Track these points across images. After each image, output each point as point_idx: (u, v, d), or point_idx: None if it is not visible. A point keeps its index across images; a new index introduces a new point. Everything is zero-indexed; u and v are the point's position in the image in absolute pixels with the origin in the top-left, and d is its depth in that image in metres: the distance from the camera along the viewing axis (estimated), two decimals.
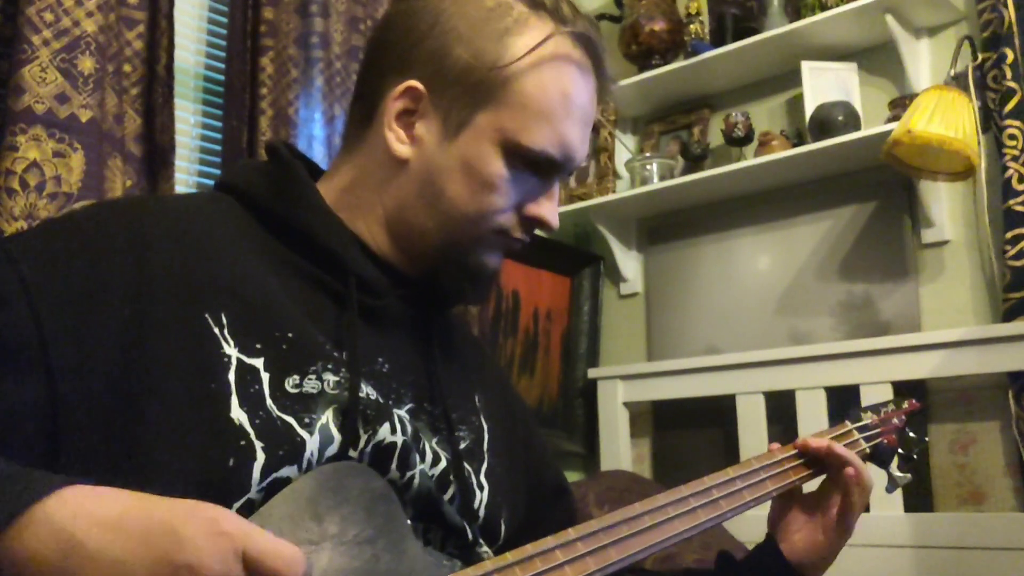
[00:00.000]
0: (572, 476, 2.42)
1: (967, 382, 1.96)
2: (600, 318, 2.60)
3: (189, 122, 1.95)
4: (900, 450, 1.09)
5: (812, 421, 1.99)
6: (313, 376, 0.72)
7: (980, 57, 1.98)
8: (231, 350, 0.69)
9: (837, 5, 2.13)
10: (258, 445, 0.66)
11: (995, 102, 1.94)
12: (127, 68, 1.67)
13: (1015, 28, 1.92)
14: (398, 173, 0.81)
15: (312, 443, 0.69)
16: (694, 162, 2.40)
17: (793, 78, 2.28)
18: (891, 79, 2.20)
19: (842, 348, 2.03)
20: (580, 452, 2.50)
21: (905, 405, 1.13)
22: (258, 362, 0.70)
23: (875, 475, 0.99)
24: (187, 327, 0.69)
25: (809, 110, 2.16)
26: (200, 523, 0.54)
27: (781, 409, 2.09)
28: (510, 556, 0.65)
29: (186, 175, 1.92)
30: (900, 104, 2.02)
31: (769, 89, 2.41)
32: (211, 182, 1.73)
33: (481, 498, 0.83)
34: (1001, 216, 1.91)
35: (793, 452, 0.97)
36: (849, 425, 1.05)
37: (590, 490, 1.96)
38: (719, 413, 2.25)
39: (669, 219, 2.54)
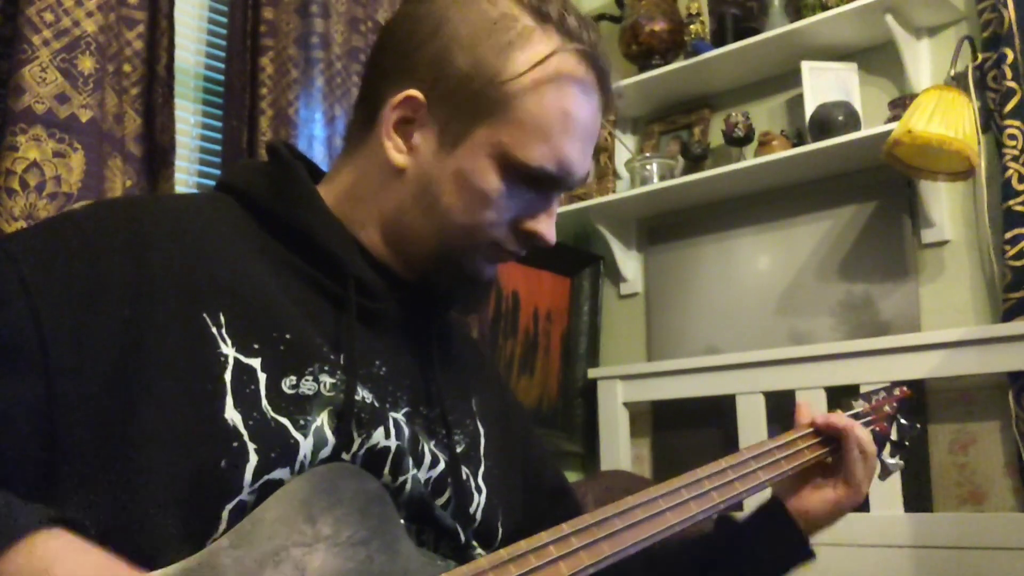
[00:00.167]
0: (572, 476, 2.42)
1: (967, 382, 1.96)
2: (600, 318, 2.60)
3: (189, 122, 1.95)
4: (892, 438, 1.09)
5: None
6: (310, 377, 0.72)
7: (980, 57, 1.98)
8: (228, 350, 0.69)
9: (837, 5, 2.13)
10: (251, 447, 0.66)
11: (995, 102, 1.94)
12: (127, 68, 1.67)
13: (1015, 28, 1.92)
14: (395, 180, 0.81)
15: (306, 445, 0.69)
16: (694, 162, 2.40)
17: (793, 78, 2.28)
18: (891, 79, 2.20)
19: (842, 348, 2.04)
20: (580, 452, 2.51)
21: (897, 392, 1.13)
22: (255, 362, 0.70)
23: None
24: (185, 327, 0.69)
25: (809, 110, 2.16)
26: None
27: (781, 409, 2.09)
28: (504, 553, 0.65)
29: (186, 175, 1.92)
30: (900, 104, 2.02)
31: (769, 89, 2.41)
32: (211, 182, 1.74)
33: (479, 501, 0.83)
34: (1001, 216, 1.91)
35: (784, 442, 0.97)
36: (841, 413, 1.06)
37: (589, 490, 1.97)
38: (719, 413, 2.25)
39: (669, 219, 2.54)
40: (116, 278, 0.69)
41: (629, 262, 2.58)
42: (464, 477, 0.82)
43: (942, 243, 2.07)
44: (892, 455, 1.09)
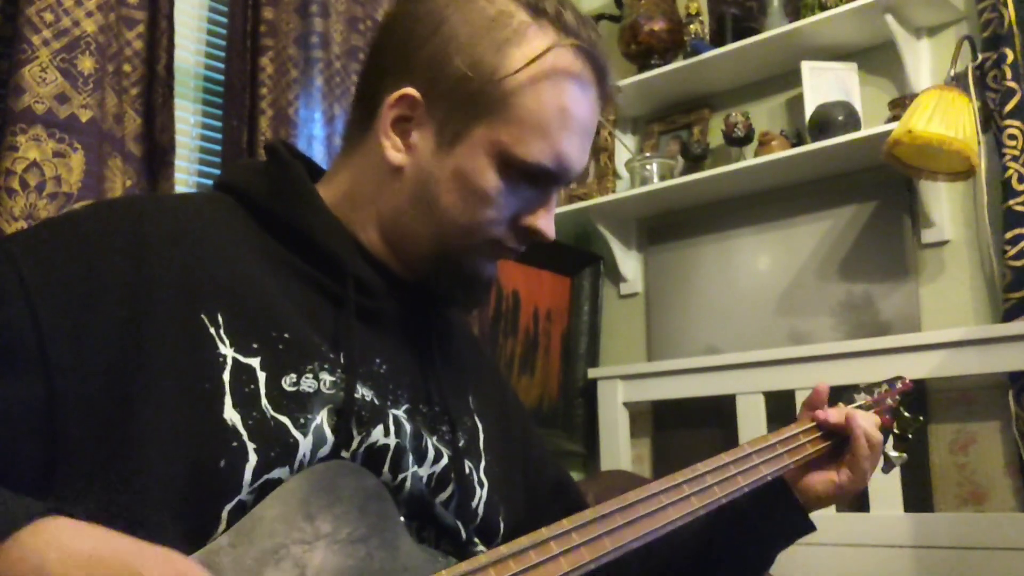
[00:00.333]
0: (572, 476, 2.41)
1: (967, 382, 1.96)
2: (600, 318, 2.60)
3: (189, 122, 1.95)
4: (895, 430, 1.09)
5: None
6: (310, 375, 0.72)
7: (980, 57, 1.98)
8: (227, 349, 0.69)
9: (837, 5, 2.13)
10: (250, 446, 0.66)
11: (995, 102, 1.94)
12: (127, 68, 1.67)
13: (1015, 28, 1.92)
14: (393, 180, 0.81)
15: (305, 444, 0.69)
16: (694, 162, 2.40)
17: (793, 78, 2.28)
18: (891, 79, 2.20)
19: (842, 348, 2.04)
20: (580, 452, 2.51)
21: (899, 385, 1.13)
22: (254, 361, 0.70)
23: None
24: (183, 327, 0.69)
25: (809, 110, 2.16)
26: (166, 571, 0.54)
27: (781, 409, 2.09)
28: (505, 549, 0.65)
29: (186, 175, 1.92)
30: (900, 104, 2.02)
31: (769, 89, 2.41)
32: (211, 182, 1.73)
33: (480, 496, 0.83)
34: (1001, 216, 1.91)
35: (786, 436, 0.97)
36: (843, 407, 1.05)
37: (590, 490, 1.96)
38: (719, 413, 2.25)
39: (669, 219, 2.54)
40: (115, 278, 0.69)
41: (629, 262, 2.58)
42: (467, 471, 0.82)
43: (942, 243, 2.07)
44: (895, 448, 1.08)
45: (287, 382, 0.70)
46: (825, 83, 2.18)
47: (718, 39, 2.39)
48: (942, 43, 2.12)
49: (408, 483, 0.76)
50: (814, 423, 1.00)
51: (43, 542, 0.53)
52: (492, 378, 0.99)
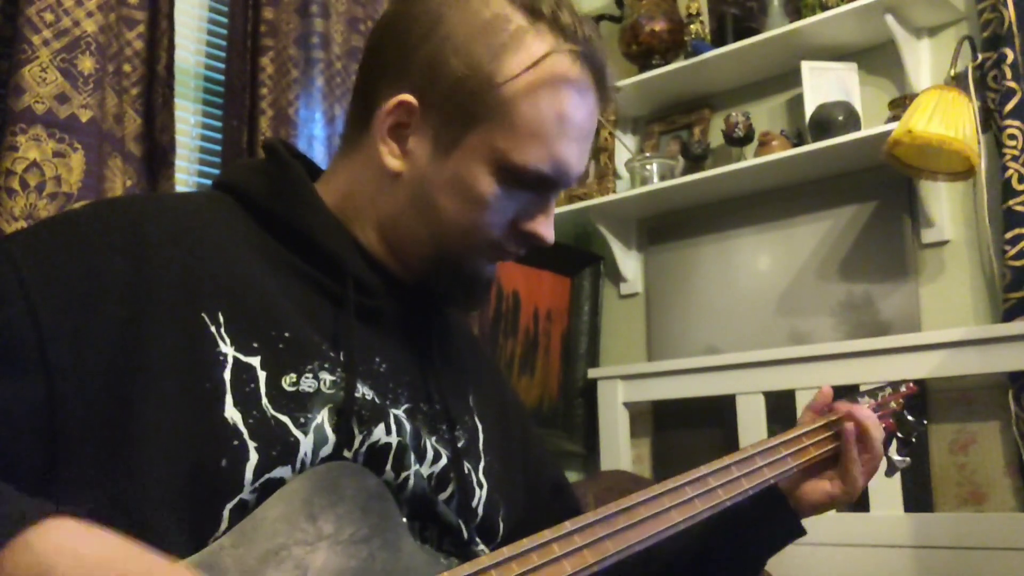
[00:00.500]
0: (572, 476, 2.42)
1: (967, 382, 1.96)
2: (600, 318, 2.60)
3: (189, 122, 1.95)
4: (899, 434, 1.09)
5: None
6: (310, 375, 0.72)
7: (980, 57, 1.98)
8: (227, 348, 0.69)
9: (837, 5, 2.13)
10: (251, 445, 0.66)
11: (995, 102, 1.94)
12: (127, 68, 1.67)
13: (1015, 28, 1.92)
14: (391, 185, 0.81)
15: (306, 443, 0.69)
16: (694, 162, 2.40)
17: (793, 78, 2.28)
18: (891, 79, 2.20)
19: (842, 348, 2.03)
20: (580, 452, 2.51)
21: (903, 388, 1.13)
22: (254, 360, 0.70)
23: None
24: (183, 326, 0.69)
25: (809, 110, 2.16)
26: None
27: (781, 409, 2.09)
28: (506, 551, 0.65)
29: (186, 175, 1.92)
30: (900, 104, 2.02)
31: (769, 89, 2.41)
32: (211, 182, 1.73)
33: (480, 495, 0.83)
34: (1001, 216, 1.91)
35: (789, 438, 0.96)
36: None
37: (590, 490, 1.97)
38: (719, 413, 2.25)
39: (669, 219, 2.54)
40: (115, 278, 0.69)
41: (629, 262, 2.58)
42: (466, 471, 0.82)
43: (942, 243, 2.07)
44: (899, 452, 1.08)
45: (287, 381, 0.70)
46: (825, 83, 2.18)
47: (718, 39, 2.39)
48: (942, 43, 2.12)
49: (411, 481, 0.76)
50: (816, 425, 1.00)
51: (52, 546, 0.53)
52: (492, 378, 0.99)
